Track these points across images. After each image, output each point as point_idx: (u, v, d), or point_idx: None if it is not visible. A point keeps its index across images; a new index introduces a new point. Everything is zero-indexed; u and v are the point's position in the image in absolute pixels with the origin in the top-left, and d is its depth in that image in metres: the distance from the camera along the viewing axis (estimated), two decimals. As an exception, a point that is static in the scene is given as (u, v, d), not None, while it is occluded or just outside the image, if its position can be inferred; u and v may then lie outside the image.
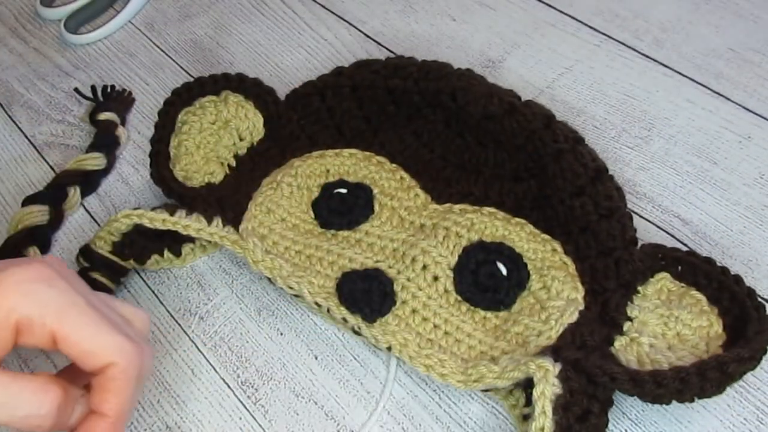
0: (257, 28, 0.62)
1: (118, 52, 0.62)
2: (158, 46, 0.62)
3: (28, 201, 0.50)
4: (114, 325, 0.32)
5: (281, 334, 0.45)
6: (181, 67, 0.60)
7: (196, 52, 0.61)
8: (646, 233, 0.46)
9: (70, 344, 0.31)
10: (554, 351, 0.38)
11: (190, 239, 0.47)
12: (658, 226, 0.46)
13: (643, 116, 0.52)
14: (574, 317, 0.40)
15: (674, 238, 0.46)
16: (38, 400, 0.30)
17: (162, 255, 0.47)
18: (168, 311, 0.47)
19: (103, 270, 0.46)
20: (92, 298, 0.32)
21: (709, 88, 0.52)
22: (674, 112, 0.52)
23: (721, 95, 0.52)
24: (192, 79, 0.53)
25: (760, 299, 0.40)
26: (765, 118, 0.50)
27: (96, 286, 0.46)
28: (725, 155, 0.49)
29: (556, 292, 0.41)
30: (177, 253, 0.47)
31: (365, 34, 0.60)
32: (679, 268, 0.42)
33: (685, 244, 0.45)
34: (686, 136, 0.50)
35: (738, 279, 0.41)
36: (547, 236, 0.43)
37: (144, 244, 0.46)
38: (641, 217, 0.47)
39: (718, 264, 0.41)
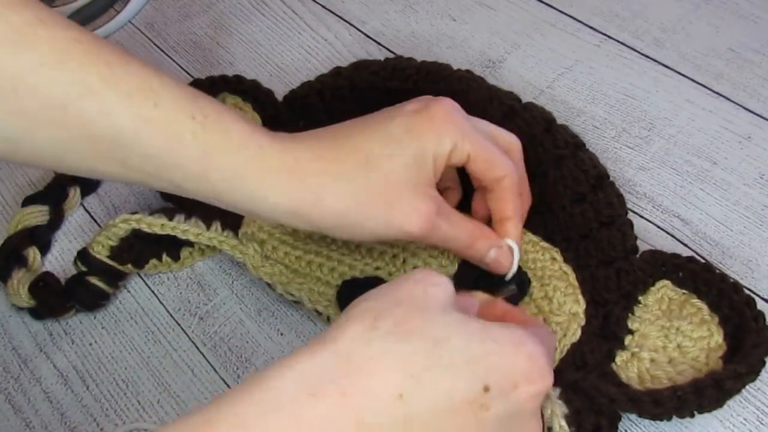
0: (257, 28, 0.62)
1: (118, 52, 0.62)
2: (158, 46, 0.62)
3: (28, 201, 0.50)
4: (499, 143, 0.41)
5: (281, 334, 0.45)
6: (181, 67, 0.60)
7: (196, 52, 0.61)
8: (646, 233, 0.46)
9: (479, 160, 0.39)
10: (555, 372, 0.38)
11: (189, 243, 0.47)
12: (658, 226, 0.46)
13: (643, 116, 0.52)
14: (577, 335, 0.40)
15: (674, 238, 0.46)
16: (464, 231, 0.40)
17: (160, 259, 0.47)
18: (168, 311, 0.47)
19: (101, 274, 0.46)
20: (479, 126, 0.41)
21: (709, 88, 0.52)
22: (674, 112, 0.52)
23: (721, 95, 0.52)
24: (191, 80, 0.53)
25: (760, 299, 0.40)
26: (765, 118, 0.50)
27: (93, 290, 0.46)
28: (725, 155, 0.49)
29: (558, 305, 0.41)
30: (175, 258, 0.47)
31: (365, 34, 0.60)
32: (680, 273, 0.41)
33: (685, 245, 0.45)
34: (686, 136, 0.50)
35: (737, 287, 0.40)
36: (546, 244, 0.43)
37: (142, 249, 0.46)
38: (641, 217, 0.47)
39: (718, 267, 0.41)
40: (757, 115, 0.51)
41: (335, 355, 0.27)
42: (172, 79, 0.35)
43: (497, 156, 0.39)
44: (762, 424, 0.39)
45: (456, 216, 0.39)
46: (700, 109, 0.51)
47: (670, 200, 0.47)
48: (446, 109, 0.39)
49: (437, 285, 0.31)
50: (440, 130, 0.38)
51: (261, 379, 0.26)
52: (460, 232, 0.39)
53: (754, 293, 0.43)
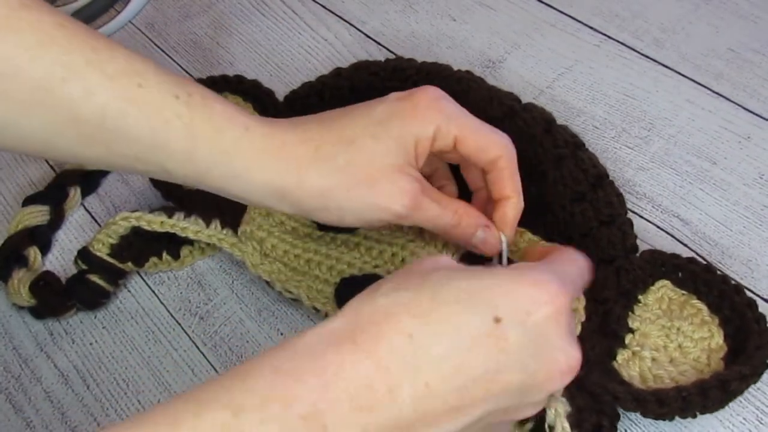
0: (257, 28, 0.62)
1: (119, 52, 0.62)
2: (158, 46, 0.62)
3: (29, 201, 0.51)
4: (491, 127, 0.40)
5: (281, 334, 0.45)
6: (181, 67, 0.60)
7: (196, 52, 0.61)
8: (646, 233, 0.46)
9: (468, 143, 0.38)
10: None
11: (189, 242, 0.47)
12: (658, 227, 0.46)
13: (643, 116, 0.52)
14: (577, 331, 0.40)
15: (674, 238, 0.46)
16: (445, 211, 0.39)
17: (160, 258, 0.47)
18: (168, 311, 0.47)
19: (101, 273, 0.46)
20: (466, 110, 0.40)
21: (709, 88, 0.52)
22: (674, 112, 0.52)
23: (721, 95, 0.52)
24: (192, 80, 0.53)
25: (760, 299, 0.40)
26: (765, 118, 0.50)
27: (94, 289, 0.46)
28: (725, 155, 0.49)
29: None
30: (175, 256, 0.47)
31: (365, 34, 0.60)
32: (680, 274, 0.41)
33: (685, 245, 0.45)
34: (686, 136, 0.50)
35: (738, 289, 0.40)
36: (546, 243, 0.43)
37: (142, 247, 0.46)
38: (641, 217, 0.47)
39: (718, 267, 0.41)
40: (757, 115, 0.51)
41: (345, 318, 0.29)
42: (157, 64, 0.36)
43: (489, 136, 0.39)
44: (761, 424, 0.39)
45: (440, 195, 0.39)
46: (700, 109, 0.51)
47: (669, 200, 0.47)
48: (431, 96, 0.39)
49: (436, 260, 0.33)
50: (423, 115, 0.38)
51: (287, 341, 0.28)
52: (446, 211, 0.39)
53: (754, 293, 0.43)
